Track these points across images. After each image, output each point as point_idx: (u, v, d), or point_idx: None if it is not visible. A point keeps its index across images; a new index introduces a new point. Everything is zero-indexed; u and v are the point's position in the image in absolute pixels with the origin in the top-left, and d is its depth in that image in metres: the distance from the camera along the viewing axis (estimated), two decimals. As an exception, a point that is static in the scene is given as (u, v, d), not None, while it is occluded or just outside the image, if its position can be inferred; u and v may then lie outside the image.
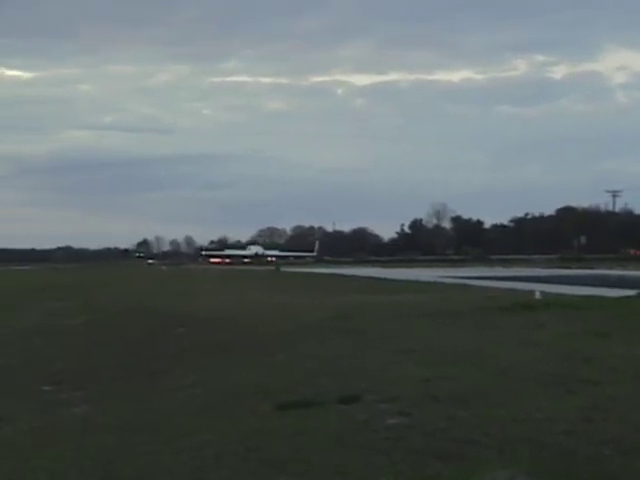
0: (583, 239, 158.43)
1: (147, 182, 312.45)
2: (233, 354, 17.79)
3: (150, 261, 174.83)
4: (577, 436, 8.97)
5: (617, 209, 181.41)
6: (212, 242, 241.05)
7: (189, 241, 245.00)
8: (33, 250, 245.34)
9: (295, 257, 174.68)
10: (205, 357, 17.70)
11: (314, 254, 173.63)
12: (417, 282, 49.87)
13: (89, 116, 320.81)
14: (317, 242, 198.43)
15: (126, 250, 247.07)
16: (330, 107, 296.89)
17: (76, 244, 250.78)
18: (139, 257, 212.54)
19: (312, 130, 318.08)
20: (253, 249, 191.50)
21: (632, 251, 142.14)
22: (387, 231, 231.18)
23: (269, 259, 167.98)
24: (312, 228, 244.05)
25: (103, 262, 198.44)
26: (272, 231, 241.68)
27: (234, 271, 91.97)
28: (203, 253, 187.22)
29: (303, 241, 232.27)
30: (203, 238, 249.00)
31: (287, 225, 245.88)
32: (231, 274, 77.92)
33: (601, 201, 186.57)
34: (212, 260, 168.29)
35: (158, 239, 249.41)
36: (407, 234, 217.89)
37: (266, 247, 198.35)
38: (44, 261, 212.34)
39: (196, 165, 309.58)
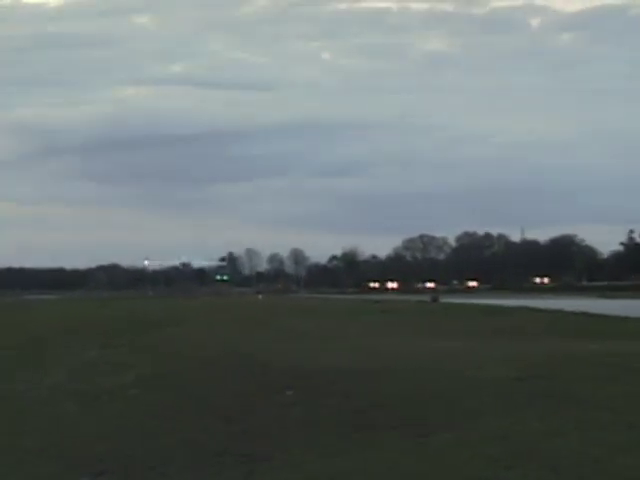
0: None
1: (234, 165, 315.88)
2: (368, 431, 17.83)
3: (260, 296, 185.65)
4: None
5: None
6: (334, 258, 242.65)
7: (298, 256, 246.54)
8: (62, 270, 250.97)
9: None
10: (325, 436, 17.78)
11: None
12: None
13: (148, 65, 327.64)
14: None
15: (202, 270, 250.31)
16: (519, 48, 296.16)
17: (126, 261, 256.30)
18: (221, 281, 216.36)
19: (490, 84, 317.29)
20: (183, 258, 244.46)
21: None
22: (607, 242, 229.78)
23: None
24: (489, 236, 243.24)
25: (167, 289, 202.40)
26: (427, 241, 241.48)
27: (362, 302, 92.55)
28: None
29: (474, 255, 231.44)
30: (321, 252, 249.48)
31: (450, 232, 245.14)
32: (361, 307, 78.37)
33: None
34: None
35: (250, 254, 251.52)
36: (639, 246, 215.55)
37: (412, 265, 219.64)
38: (78, 287, 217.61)
39: (310, 139, 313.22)
